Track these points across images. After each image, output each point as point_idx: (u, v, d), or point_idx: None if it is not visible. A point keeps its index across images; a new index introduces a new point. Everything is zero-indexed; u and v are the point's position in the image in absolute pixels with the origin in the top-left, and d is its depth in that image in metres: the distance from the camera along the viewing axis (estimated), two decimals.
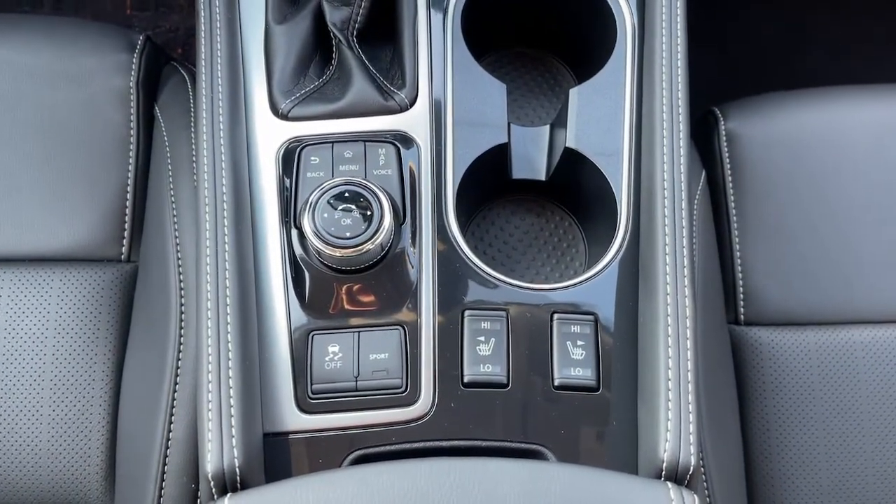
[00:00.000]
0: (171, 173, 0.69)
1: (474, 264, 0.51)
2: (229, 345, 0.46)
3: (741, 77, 0.89)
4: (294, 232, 0.51)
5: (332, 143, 0.54)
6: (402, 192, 0.52)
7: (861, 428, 0.71)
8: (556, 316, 0.50)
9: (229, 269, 0.49)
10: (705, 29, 1.13)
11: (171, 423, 0.64)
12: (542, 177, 0.59)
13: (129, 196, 0.71)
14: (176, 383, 0.64)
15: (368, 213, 0.49)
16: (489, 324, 0.49)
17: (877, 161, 0.74)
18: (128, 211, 0.71)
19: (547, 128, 0.59)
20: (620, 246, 0.52)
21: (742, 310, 0.73)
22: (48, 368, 0.67)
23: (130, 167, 0.71)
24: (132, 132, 0.71)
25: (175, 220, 0.67)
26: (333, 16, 0.58)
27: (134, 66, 0.72)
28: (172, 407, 0.64)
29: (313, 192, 0.50)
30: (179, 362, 0.65)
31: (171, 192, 0.68)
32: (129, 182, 0.71)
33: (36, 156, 0.71)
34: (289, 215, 0.52)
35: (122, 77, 0.72)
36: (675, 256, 0.49)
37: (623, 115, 0.56)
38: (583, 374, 0.49)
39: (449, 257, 0.52)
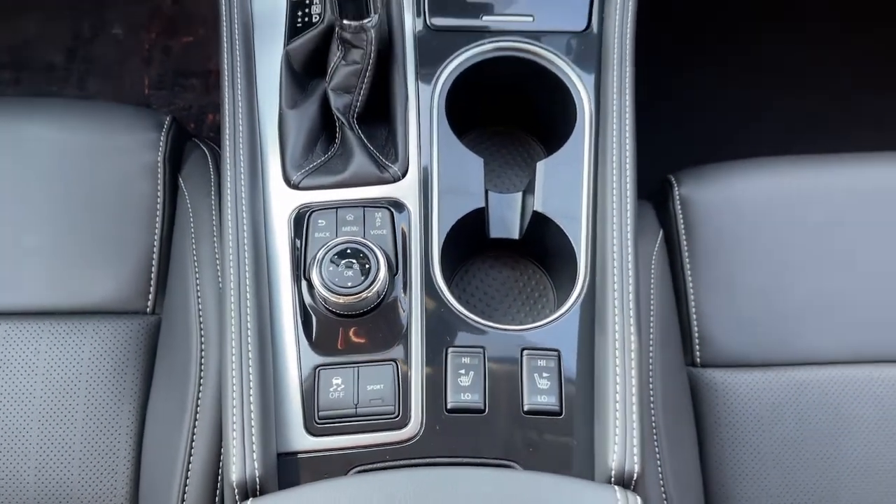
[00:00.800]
0: (193, 236, 0.78)
1: (456, 309, 0.60)
2: (250, 378, 0.55)
3: (696, 148, 1.00)
4: (304, 283, 0.60)
5: (336, 208, 0.63)
6: (395, 249, 0.61)
7: (808, 459, 0.77)
8: (525, 352, 0.59)
9: (250, 315, 0.58)
10: (665, 106, 1.26)
11: (190, 455, 0.71)
12: (516, 236, 0.67)
13: (154, 256, 0.79)
14: (195, 421, 0.72)
15: (367, 266, 0.58)
16: (469, 359, 0.58)
17: (812, 222, 0.83)
18: (153, 269, 0.79)
19: (520, 194, 0.69)
20: (580, 294, 0.61)
21: (698, 353, 0.80)
22: (80, 409, 0.75)
23: (157, 231, 0.80)
24: (159, 200, 0.80)
25: (197, 277, 0.76)
26: (337, 102, 0.67)
27: (161, 144, 0.82)
28: (192, 442, 0.71)
29: (320, 249, 0.59)
30: (199, 402, 0.72)
31: (194, 253, 0.77)
32: (155, 244, 0.79)
33: (72, 221, 0.79)
34: (299, 269, 0.61)
35: (151, 153, 0.81)
36: (623, 302, 0.58)
37: (582, 184, 0.65)
38: (548, 400, 0.57)
39: (435, 303, 0.60)
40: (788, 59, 1.41)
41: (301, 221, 0.63)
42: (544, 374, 0.57)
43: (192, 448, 0.70)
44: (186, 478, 0.70)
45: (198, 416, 0.71)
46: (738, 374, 0.79)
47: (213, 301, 0.74)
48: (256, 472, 0.51)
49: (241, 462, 0.51)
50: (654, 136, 1.00)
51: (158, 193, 0.80)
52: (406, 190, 0.64)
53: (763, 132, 1.29)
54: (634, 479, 0.51)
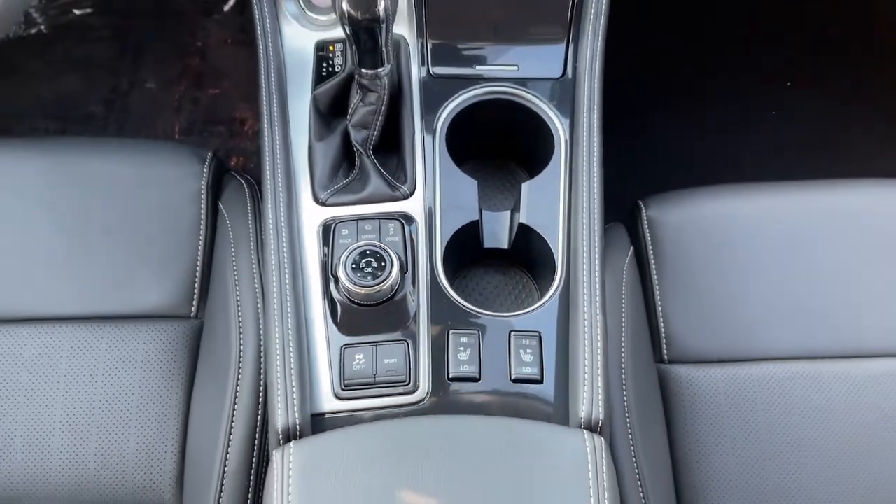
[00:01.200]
0: (233, 252, 0.91)
1: (456, 301, 0.73)
2: (290, 352, 0.67)
3: (662, 178, 1.12)
4: (331, 280, 0.73)
5: (357, 220, 0.75)
6: (405, 253, 0.74)
7: (762, 445, 0.87)
8: (512, 333, 0.71)
9: (289, 305, 0.71)
10: (637, 141, 1.41)
11: (230, 438, 0.82)
12: (506, 246, 0.79)
13: (198, 269, 0.91)
14: (234, 409, 0.83)
15: (382, 264, 0.70)
16: (466, 339, 0.70)
17: (764, 239, 0.94)
18: (197, 280, 0.91)
19: (508, 212, 0.81)
20: (557, 287, 0.74)
21: (665, 351, 0.90)
22: (135, 398, 0.86)
23: (200, 248, 0.92)
24: (202, 222, 0.92)
25: (237, 286, 0.88)
26: (356, 136, 0.80)
27: (204, 175, 0.95)
28: (231, 427, 0.82)
29: (344, 252, 0.72)
30: (238, 390, 0.84)
31: (234, 266, 0.90)
32: (199, 259, 0.92)
33: (129, 240, 0.91)
34: (327, 269, 0.74)
35: (196, 182, 0.94)
36: (591, 292, 0.71)
37: (559, 200, 0.78)
38: (530, 371, 0.69)
39: (438, 296, 0.73)
40: (753, 102, 1.57)
41: (328, 231, 0.76)
42: (528, 351, 0.70)
43: (231, 433, 0.82)
44: (226, 454, 0.81)
45: (237, 401, 0.83)
46: (701, 369, 0.90)
47: (251, 306, 0.87)
48: (297, 420, 0.63)
49: (285, 413, 0.63)
50: (626, 167, 1.14)
51: (202, 216, 0.93)
52: (414, 206, 0.77)
53: (726, 163, 1.45)
54: (600, 424, 0.63)
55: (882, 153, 1.22)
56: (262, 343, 0.85)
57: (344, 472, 0.58)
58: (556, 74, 0.85)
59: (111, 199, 0.93)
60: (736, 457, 0.87)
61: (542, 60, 0.85)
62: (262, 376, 0.84)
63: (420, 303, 0.72)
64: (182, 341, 0.88)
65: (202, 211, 0.93)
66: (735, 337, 0.92)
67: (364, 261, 0.70)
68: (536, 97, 0.84)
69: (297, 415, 0.64)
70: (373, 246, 0.71)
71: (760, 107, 1.56)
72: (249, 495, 0.81)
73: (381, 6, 0.68)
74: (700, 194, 0.99)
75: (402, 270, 0.72)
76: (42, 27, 1.62)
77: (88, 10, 1.65)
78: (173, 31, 1.64)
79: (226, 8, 1.66)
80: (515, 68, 0.85)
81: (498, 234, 0.81)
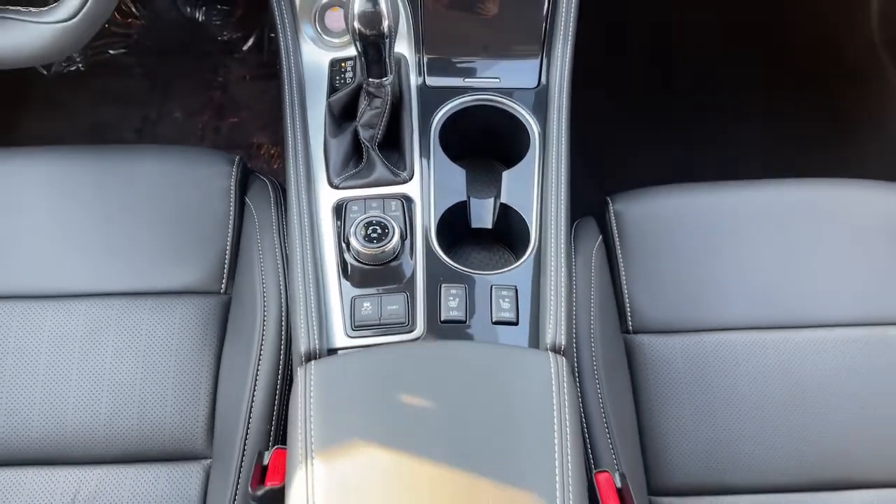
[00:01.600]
0: (258, 237, 1.05)
1: (447, 262, 0.88)
2: (311, 296, 0.82)
3: (629, 179, 1.27)
4: (343, 246, 0.88)
5: (364, 199, 0.90)
6: (405, 224, 0.88)
7: (713, 400, 0.99)
8: (493, 287, 0.85)
9: (309, 266, 0.85)
10: (606, 147, 1.58)
11: (254, 391, 0.95)
12: (490, 225, 0.94)
13: (227, 252, 1.04)
14: (258, 367, 0.96)
15: (386, 231, 0.85)
16: (455, 291, 0.84)
17: (715, 227, 1.07)
18: (226, 262, 1.04)
19: (492, 198, 0.96)
20: (531, 252, 0.88)
21: (630, 322, 1.03)
22: (172, 361, 0.99)
23: (229, 235, 1.05)
24: (231, 213, 1.06)
25: (262, 265, 1.03)
26: (364, 134, 0.94)
27: (233, 175, 1.08)
28: (255, 382, 0.95)
29: (354, 222, 0.87)
30: (261, 353, 0.97)
31: (259, 248, 1.04)
32: (228, 243, 1.04)
33: (168, 228, 1.04)
34: (340, 237, 0.89)
35: (225, 181, 1.08)
36: (557, 253, 0.86)
37: (533, 185, 0.92)
38: (508, 315, 0.83)
39: (433, 258, 0.87)
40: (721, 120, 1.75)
41: (340, 208, 0.90)
42: (506, 300, 0.84)
43: (255, 383, 0.94)
44: (251, 405, 0.94)
45: (260, 360, 0.96)
46: (661, 338, 1.03)
47: (273, 282, 1.01)
48: (316, 346, 0.78)
49: (307, 340, 0.78)
50: (596, 169, 1.30)
51: (231, 208, 1.07)
52: (412, 189, 0.92)
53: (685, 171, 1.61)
54: (563, 348, 0.77)
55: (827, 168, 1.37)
56: (283, 312, 0.99)
57: (355, 383, 0.72)
58: (531, 85, 1.01)
59: (152, 194, 1.07)
60: (691, 409, 1.00)
61: (521, 73, 1.01)
62: (282, 339, 0.98)
63: (417, 263, 0.87)
64: (213, 313, 1.02)
65: (231, 204, 1.07)
66: (690, 310, 1.05)
67: (371, 228, 0.85)
68: (515, 103, 0.99)
69: (316, 342, 0.78)
70: (378, 217, 0.86)
71: (716, 123, 1.75)
72: (270, 438, 0.94)
73: (385, 24, 0.84)
74: (660, 192, 1.14)
75: (402, 238, 0.87)
76: (80, 65, 1.81)
77: (122, 50, 1.83)
78: (198, 69, 1.82)
79: (245, 48, 1.84)
80: (498, 80, 1.01)
81: (483, 216, 0.95)
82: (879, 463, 0.98)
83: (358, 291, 0.85)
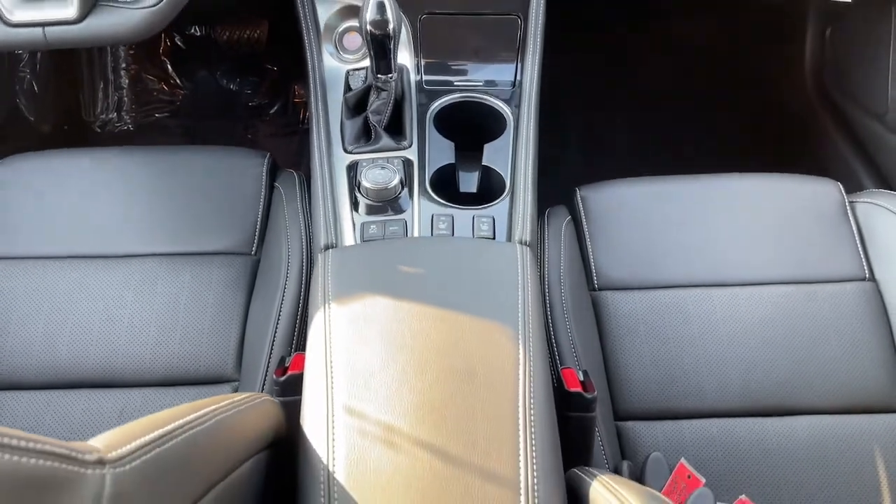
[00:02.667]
0: (285, 212, 1.27)
1: (438, 200, 1.09)
2: (329, 208, 1.02)
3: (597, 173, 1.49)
4: (355, 190, 1.09)
5: (372, 158, 1.14)
6: (405, 176, 1.12)
7: (666, 342, 1.14)
8: (475, 216, 1.06)
9: (330, 201, 1.07)
10: (581, 146, 1.81)
11: (276, 327, 1.13)
12: (475, 190, 1.18)
13: (258, 222, 1.25)
14: (280, 310, 1.14)
15: (389, 174, 1.08)
16: (444, 218, 1.05)
17: (668, 208, 1.28)
18: (257, 230, 1.26)
19: (476, 172, 1.20)
20: (506, 194, 1.10)
21: (596, 281, 1.20)
22: (210, 304, 1.17)
23: (260, 209, 1.26)
24: (262, 193, 1.27)
25: (287, 233, 1.23)
26: (373, 119, 1.17)
27: (265, 165, 1.32)
28: (277, 322, 1.13)
29: (364, 167, 1.09)
30: (283, 299, 1.15)
31: (286, 219, 1.25)
32: (259, 215, 1.26)
33: (212, 205, 1.25)
34: (352, 184, 1.11)
35: (258, 169, 1.30)
36: (524, 186, 1.07)
37: (508, 152, 1.15)
38: (486, 233, 1.04)
39: (426, 198, 1.09)
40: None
41: (353, 166, 1.14)
42: (484, 224, 1.04)
43: (277, 323, 1.13)
44: (273, 341, 1.11)
45: (282, 305, 1.15)
46: (622, 293, 1.19)
47: (297, 245, 1.20)
48: (333, 240, 0.97)
49: (326, 235, 0.98)
50: (568, 166, 1.52)
51: (262, 189, 1.29)
52: (411, 153, 1.15)
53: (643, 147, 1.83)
54: (528, 242, 0.97)
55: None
56: (304, 266, 1.19)
57: (363, 260, 0.92)
58: (508, 84, 1.26)
59: (197, 179, 1.29)
60: (649, 348, 1.16)
61: (500, 74, 1.26)
62: (302, 286, 1.17)
63: (414, 203, 1.08)
64: (245, 269, 1.22)
65: (263, 185, 1.30)
66: (647, 272, 1.23)
67: (377, 171, 1.07)
68: (495, 97, 1.24)
69: (333, 236, 0.98)
70: (383, 163, 1.09)
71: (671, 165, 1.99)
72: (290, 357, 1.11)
73: (391, 27, 1.09)
74: (620, 182, 1.36)
75: (402, 184, 1.09)
76: (130, 126, 2.09)
77: (166, 114, 2.13)
78: (231, 129, 2.10)
79: (271, 111, 2.14)
80: (482, 82, 1.27)
81: (469, 183, 1.18)
82: (818, 392, 1.14)
83: (366, 219, 1.06)
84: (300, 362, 0.91)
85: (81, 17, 1.01)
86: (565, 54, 1.41)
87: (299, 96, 2.12)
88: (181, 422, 0.54)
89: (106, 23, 1.01)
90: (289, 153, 1.98)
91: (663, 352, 1.16)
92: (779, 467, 1.09)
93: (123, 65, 2.08)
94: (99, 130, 2.06)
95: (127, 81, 2.09)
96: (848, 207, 1.30)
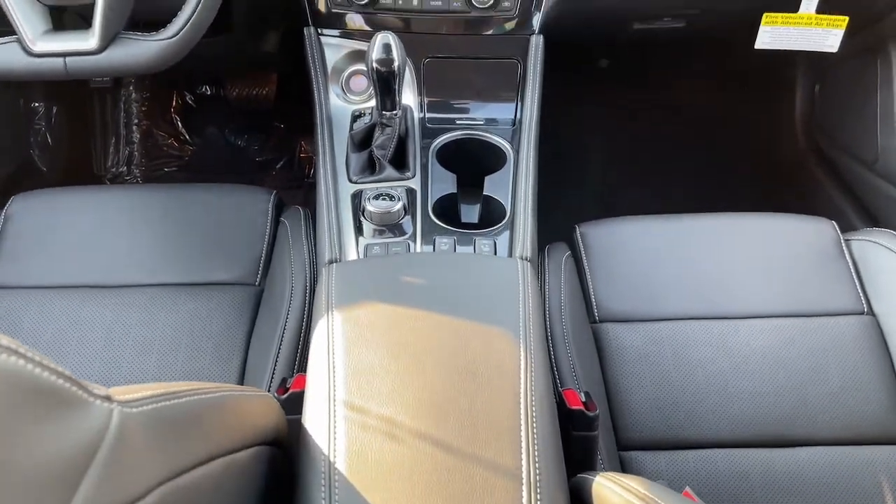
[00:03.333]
0: (290, 244, 1.29)
1: (440, 224, 1.11)
2: (334, 228, 1.05)
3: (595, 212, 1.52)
4: (360, 215, 1.12)
5: (376, 186, 1.18)
6: (408, 202, 1.15)
7: (670, 373, 1.15)
8: (475, 238, 1.09)
9: (335, 227, 1.09)
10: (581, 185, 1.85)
11: (278, 355, 1.14)
12: (476, 220, 1.21)
13: (263, 254, 1.28)
14: (282, 337, 1.16)
15: (392, 199, 1.10)
16: (446, 240, 1.07)
17: (663, 244, 1.31)
18: (262, 261, 1.29)
19: (478, 205, 1.23)
20: (507, 220, 1.12)
21: (596, 313, 1.22)
22: (214, 330, 1.17)
23: (266, 241, 1.30)
24: (268, 226, 1.30)
25: (292, 264, 1.25)
26: (378, 153, 1.22)
27: (271, 200, 1.37)
28: (279, 349, 1.14)
29: (369, 194, 1.12)
30: (286, 328, 1.17)
31: (290, 252, 1.27)
32: (265, 248, 1.29)
33: (220, 237, 1.29)
34: (356, 211, 1.14)
35: (265, 204, 1.33)
36: (524, 211, 1.10)
37: (508, 183, 1.20)
38: (487, 252, 1.06)
39: (428, 222, 1.12)
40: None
41: (357, 195, 1.16)
42: (486, 246, 1.07)
43: (279, 350, 1.14)
44: (275, 365, 1.13)
45: (285, 331, 1.16)
46: (623, 325, 1.20)
47: (300, 276, 1.22)
48: (337, 256, 0.99)
49: (330, 251, 1.00)
50: (569, 204, 1.56)
51: (268, 223, 1.33)
52: (414, 183, 1.18)
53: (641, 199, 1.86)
54: (528, 258, 0.98)
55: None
56: (307, 296, 1.20)
57: (367, 273, 0.94)
58: (509, 122, 1.31)
59: (205, 215, 1.32)
60: (650, 378, 1.16)
61: (500, 113, 1.31)
62: (304, 315, 1.18)
63: (417, 228, 1.11)
64: (248, 299, 1.24)
65: (269, 219, 1.33)
66: (646, 305, 1.24)
67: (381, 196, 1.10)
68: (496, 135, 1.28)
69: (336, 252, 1.00)
70: (387, 189, 1.12)
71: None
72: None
73: (395, 64, 1.14)
74: (617, 219, 1.39)
75: (405, 209, 1.12)
76: (139, 179, 2.14)
77: (175, 168, 2.18)
78: (238, 182, 2.15)
79: (277, 167, 2.19)
80: (483, 121, 1.32)
81: (471, 215, 1.21)
82: (821, 424, 1.13)
83: (370, 241, 1.08)
84: (302, 382, 0.91)
85: (102, 49, 1.05)
86: (562, 96, 1.46)
87: (305, 151, 2.18)
88: (189, 386, 0.55)
89: (124, 54, 1.06)
90: (293, 202, 2.02)
91: (665, 382, 1.17)
92: (784, 498, 1.07)
93: (136, 120, 2.15)
94: (109, 183, 2.11)
95: (138, 136, 2.16)
96: (843, 245, 1.32)
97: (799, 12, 1.36)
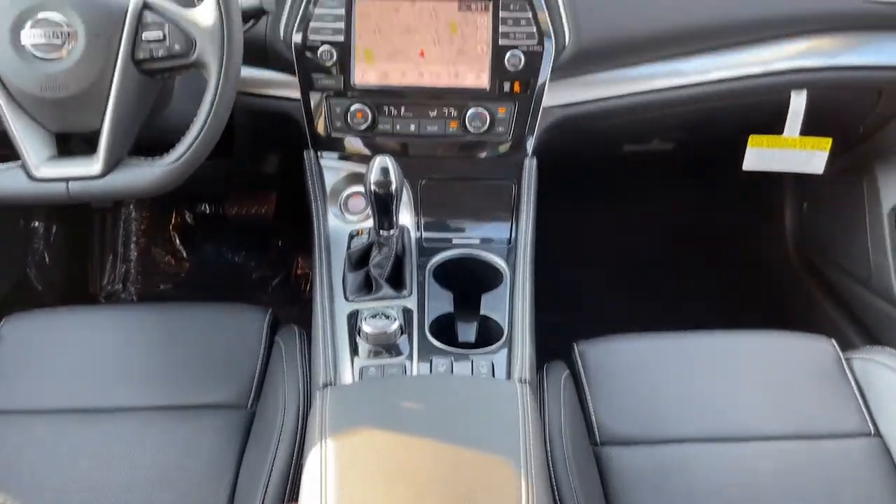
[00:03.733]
0: (284, 366, 1.27)
1: (438, 345, 1.10)
2: (329, 352, 1.03)
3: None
4: (356, 334, 1.11)
5: (373, 306, 1.17)
6: (405, 321, 1.13)
7: (678, 497, 1.12)
8: (473, 359, 1.07)
9: (330, 347, 1.08)
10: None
11: (269, 480, 1.09)
12: (472, 340, 1.19)
13: (256, 375, 1.25)
14: (273, 463, 1.11)
15: (388, 319, 1.10)
16: (444, 360, 1.06)
17: (663, 361, 1.29)
18: (254, 383, 1.25)
19: (474, 323, 1.22)
20: (504, 340, 1.11)
21: (598, 436, 1.18)
22: (203, 456, 1.11)
23: (259, 363, 1.27)
24: (262, 348, 1.28)
25: (285, 388, 1.21)
26: (375, 272, 1.21)
27: (266, 319, 1.35)
28: (271, 472, 1.10)
29: (365, 313, 1.11)
30: (277, 453, 1.12)
31: (284, 374, 1.24)
32: (258, 369, 1.26)
33: (208, 358, 1.26)
34: (352, 330, 1.12)
35: (259, 324, 1.31)
36: (522, 341, 1.08)
37: (505, 302, 1.19)
38: (485, 373, 1.04)
39: (426, 344, 1.10)
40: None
41: (353, 315, 1.16)
42: (483, 367, 1.05)
43: (270, 476, 1.10)
44: (266, 488, 1.08)
45: (276, 458, 1.12)
46: (626, 448, 1.16)
47: (294, 400, 1.19)
48: (332, 379, 0.97)
49: (325, 374, 0.97)
50: (566, 319, 1.55)
51: (262, 343, 1.30)
52: (411, 302, 1.18)
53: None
54: (527, 380, 0.96)
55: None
56: (300, 422, 1.17)
57: (363, 395, 0.92)
58: (504, 241, 1.32)
59: (195, 333, 1.30)
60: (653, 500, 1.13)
61: (496, 232, 1.33)
62: (297, 441, 1.15)
63: (413, 347, 1.10)
64: (239, 422, 1.20)
65: (262, 339, 1.30)
66: (649, 427, 1.21)
67: (377, 316, 1.10)
68: (492, 254, 1.29)
69: (331, 374, 0.98)
70: (383, 309, 1.11)
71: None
72: None
73: (393, 186, 1.16)
74: (617, 337, 1.38)
75: (402, 329, 1.11)
76: (134, 297, 2.14)
77: (170, 285, 2.19)
78: (233, 300, 2.14)
79: (274, 283, 2.20)
80: (478, 240, 1.33)
81: (468, 334, 1.20)
82: None
83: (366, 363, 1.07)
84: None
85: (105, 173, 1.07)
86: (557, 214, 1.49)
87: (301, 268, 2.19)
88: None
89: (127, 178, 1.08)
90: (288, 320, 2.01)
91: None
92: None
93: (134, 238, 2.17)
94: (104, 301, 2.10)
95: (135, 254, 2.17)
96: (845, 364, 1.31)
97: (784, 135, 1.40)
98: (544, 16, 1.22)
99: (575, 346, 1.35)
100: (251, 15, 1.13)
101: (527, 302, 1.17)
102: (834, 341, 1.34)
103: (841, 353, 1.32)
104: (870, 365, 1.29)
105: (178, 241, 2.22)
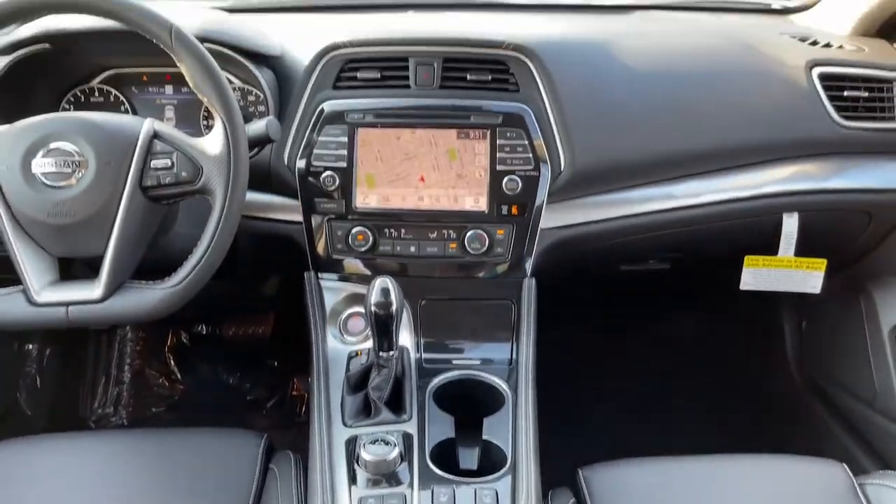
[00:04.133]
0: (279, 496, 1.21)
1: (439, 473, 1.06)
2: (328, 491, 0.99)
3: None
4: (354, 462, 1.07)
5: (372, 432, 1.14)
6: (405, 448, 1.10)
7: None
8: (476, 489, 1.03)
9: (328, 478, 1.04)
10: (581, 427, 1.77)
11: None
12: (475, 467, 1.15)
13: (251, 497, 1.20)
14: None
15: (388, 444, 1.07)
16: (446, 490, 1.02)
17: (667, 489, 1.28)
18: None
19: (476, 448, 1.19)
20: (508, 468, 1.08)
21: None
22: None
23: (252, 493, 1.20)
24: (256, 476, 1.22)
25: None
26: (374, 395, 1.18)
27: (261, 446, 1.31)
28: None
29: (363, 441, 1.08)
30: None
31: (278, 495, 1.20)
32: (251, 500, 1.19)
33: (200, 488, 1.21)
34: (350, 456, 1.09)
35: (254, 450, 1.28)
36: (528, 469, 1.05)
37: (508, 427, 1.16)
38: None
39: (426, 472, 1.07)
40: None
41: (352, 441, 1.13)
42: (487, 497, 1.01)
43: None
44: None
45: None
46: None
47: None
48: None
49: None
50: (569, 442, 1.50)
51: (256, 471, 1.25)
52: (411, 426, 1.15)
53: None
54: None
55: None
56: None
57: None
58: (505, 361, 1.31)
59: (187, 462, 1.25)
60: None
61: (496, 353, 1.32)
62: None
63: (414, 475, 1.06)
64: None
65: (257, 467, 1.26)
66: None
67: (376, 443, 1.07)
68: (493, 375, 1.27)
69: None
70: (382, 436, 1.09)
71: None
72: None
73: (393, 308, 1.17)
74: (624, 462, 1.34)
75: (402, 456, 1.08)
76: (125, 421, 2.09)
77: (163, 408, 2.14)
78: (227, 422, 2.09)
79: (269, 405, 2.16)
80: (479, 361, 1.32)
81: (470, 460, 1.17)
82: None
83: (364, 492, 1.03)
84: None
85: (105, 298, 1.07)
86: (557, 333, 1.48)
87: (298, 389, 2.16)
88: None
89: (127, 302, 1.08)
90: (284, 444, 1.95)
91: None
92: None
93: (128, 360, 2.15)
94: (93, 425, 2.05)
95: (129, 376, 2.14)
96: (858, 489, 1.27)
97: (779, 255, 1.42)
98: (540, 143, 1.27)
99: (580, 472, 1.31)
100: (257, 143, 1.16)
101: (531, 425, 1.15)
102: (845, 466, 1.30)
103: (854, 479, 1.28)
104: (884, 491, 1.26)
105: (173, 362, 2.19)
